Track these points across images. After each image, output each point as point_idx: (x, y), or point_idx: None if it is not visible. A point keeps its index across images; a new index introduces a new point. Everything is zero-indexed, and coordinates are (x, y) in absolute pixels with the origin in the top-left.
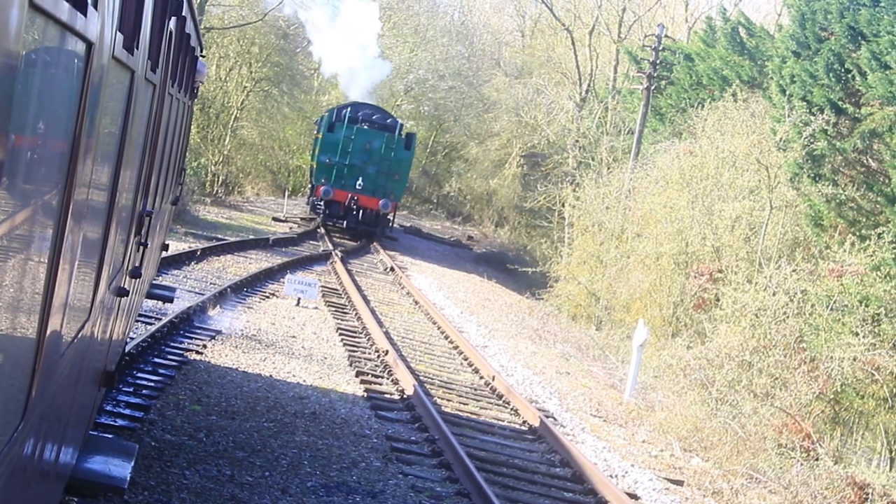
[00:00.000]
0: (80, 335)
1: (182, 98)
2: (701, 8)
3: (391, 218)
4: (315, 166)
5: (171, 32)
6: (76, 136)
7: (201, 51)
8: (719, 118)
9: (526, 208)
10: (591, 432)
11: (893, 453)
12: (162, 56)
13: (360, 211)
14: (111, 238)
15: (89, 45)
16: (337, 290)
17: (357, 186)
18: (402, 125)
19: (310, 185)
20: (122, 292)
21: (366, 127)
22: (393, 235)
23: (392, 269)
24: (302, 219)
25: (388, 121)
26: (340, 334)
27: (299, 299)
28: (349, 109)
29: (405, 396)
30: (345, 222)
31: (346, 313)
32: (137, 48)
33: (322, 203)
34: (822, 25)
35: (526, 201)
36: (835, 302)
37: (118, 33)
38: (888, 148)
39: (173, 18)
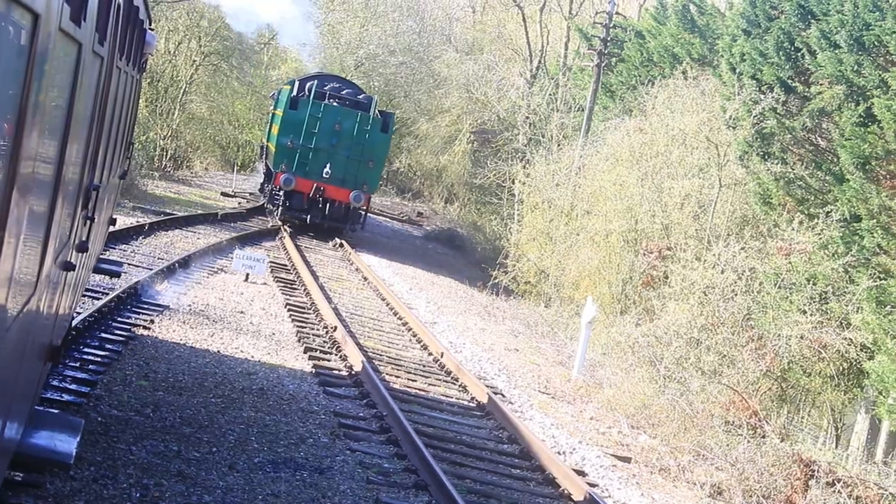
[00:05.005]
0: (25, 309)
1: (130, 71)
2: None
3: (364, 213)
4: (274, 150)
5: (118, 5)
6: (22, 110)
7: (150, 23)
8: (669, 96)
9: (476, 185)
10: (539, 409)
11: (839, 430)
12: (110, 29)
13: (328, 204)
14: (57, 212)
15: (35, 16)
16: (286, 265)
17: (324, 175)
18: (376, 102)
19: (263, 169)
20: (68, 266)
21: (335, 104)
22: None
23: (341, 245)
24: (251, 194)
25: (361, 97)
26: (289, 310)
27: (248, 275)
28: (315, 83)
29: (353, 373)
30: (308, 217)
31: (294, 289)
32: (85, 20)
33: (282, 193)
34: (772, 4)
35: (476, 178)
36: (783, 280)
37: (65, 5)
38: (837, 127)
39: None
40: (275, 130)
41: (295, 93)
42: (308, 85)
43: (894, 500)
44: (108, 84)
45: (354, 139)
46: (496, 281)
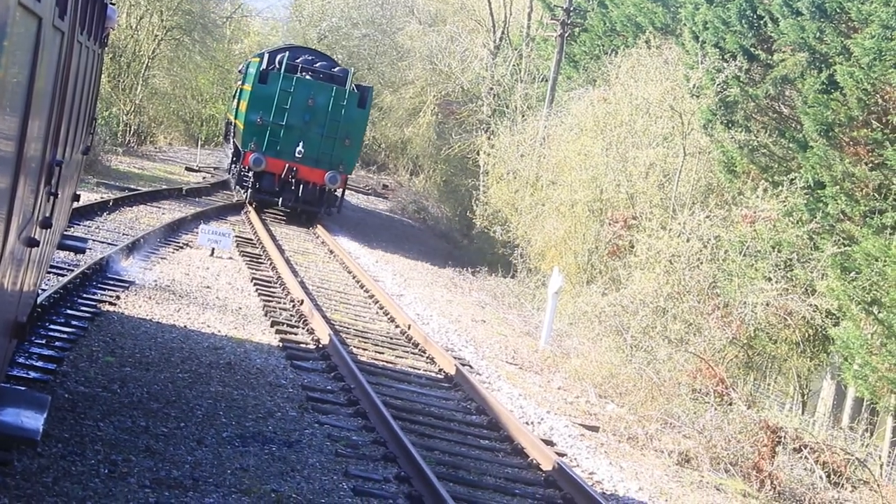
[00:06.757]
0: None
1: (92, 46)
2: None
3: (340, 195)
4: (242, 127)
5: None
6: None
7: None
8: (633, 65)
9: (441, 157)
10: (507, 380)
11: (805, 397)
12: (70, 3)
13: (301, 186)
14: (20, 188)
15: None
16: (251, 240)
17: (297, 154)
18: (352, 75)
19: (229, 147)
20: (32, 243)
21: (308, 77)
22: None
23: (308, 219)
24: (215, 168)
25: (336, 70)
26: (255, 284)
27: (213, 249)
28: (286, 55)
29: (321, 346)
30: (280, 200)
31: (260, 263)
32: None
33: (251, 175)
34: None
35: (441, 150)
36: (748, 248)
37: None
38: (800, 94)
39: None
40: (243, 107)
41: (265, 66)
42: (279, 57)
43: (860, 465)
44: (69, 59)
45: (329, 115)
46: (465, 250)
